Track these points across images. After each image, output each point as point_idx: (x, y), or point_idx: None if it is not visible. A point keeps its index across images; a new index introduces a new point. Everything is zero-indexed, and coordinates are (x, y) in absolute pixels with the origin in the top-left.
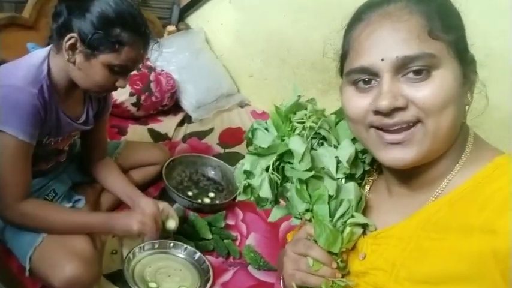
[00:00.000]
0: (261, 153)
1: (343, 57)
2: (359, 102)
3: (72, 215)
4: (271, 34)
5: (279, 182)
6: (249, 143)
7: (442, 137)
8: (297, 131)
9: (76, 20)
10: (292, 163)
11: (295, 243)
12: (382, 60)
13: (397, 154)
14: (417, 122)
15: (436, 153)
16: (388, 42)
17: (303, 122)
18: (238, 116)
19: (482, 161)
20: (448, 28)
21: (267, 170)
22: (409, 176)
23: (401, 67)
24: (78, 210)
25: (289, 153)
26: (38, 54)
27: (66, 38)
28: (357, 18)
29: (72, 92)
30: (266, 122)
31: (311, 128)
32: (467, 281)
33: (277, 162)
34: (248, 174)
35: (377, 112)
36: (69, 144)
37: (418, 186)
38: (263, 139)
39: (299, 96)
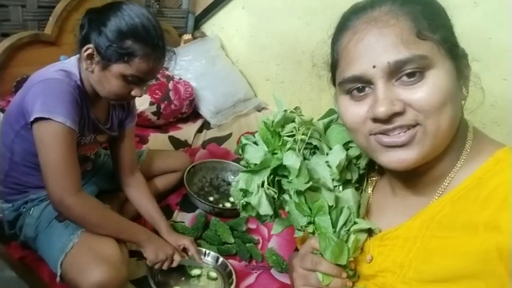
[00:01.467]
0: (254, 170)
1: (334, 67)
2: (356, 111)
3: (122, 219)
4: (285, 37)
5: (276, 196)
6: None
7: (442, 136)
8: (288, 145)
9: (94, 32)
10: (287, 176)
11: (302, 259)
12: (374, 67)
13: (398, 156)
14: (416, 124)
15: (436, 152)
16: (378, 48)
17: (293, 135)
18: (255, 121)
19: (483, 156)
20: (435, 27)
21: (262, 185)
22: (411, 176)
23: (394, 72)
24: (126, 220)
25: (282, 167)
26: (69, 60)
27: (84, 48)
28: (343, 26)
29: (98, 97)
30: (254, 135)
31: (302, 140)
32: (474, 278)
33: (272, 177)
34: (245, 192)
35: (376, 120)
36: (95, 152)
37: (421, 186)
38: (254, 154)
39: (285, 110)
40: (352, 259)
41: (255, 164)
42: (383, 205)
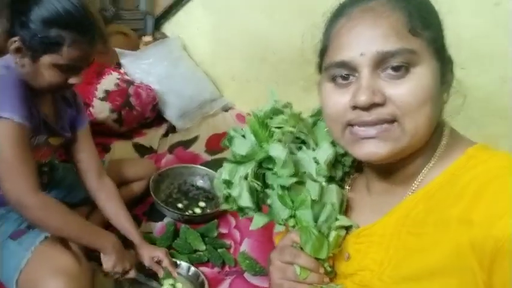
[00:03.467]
0: (239, 161)
1: (323, 53)
2: (338, 100)
3: (86, 223)
4: (248, 33)
5: (259, 189)
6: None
7: (418, 135)
8: (275, 136)
9: (17, 24)
10: (272, 169)
11: (281, 252)
12: (362, 55)
13: (371, 149)
14: (393, 120)
15: (411, 150)
16: (368, 37)
17: (281, 127)
18: (223, 121)
19: (456, 154)
20: (427, 26)
21: (246, 178)
22: (386, 171)
23: (381, 62)
24: (91, 224)
25: (268, 159)
26: (6, 57)
27: (9, 42)
28: (338, 13)
29: (39, 93)
30: (243, 129)
31: (290, 132)
32: (448, 274)
33: (257, 169)
34: (227, 183)
35: (355, 107)
36: (48, 163)
37: (396, 182)
38: (241, 146)
39: (275, 101)
40: (331, 255)
41: (241, 155)
42: (359, 203)
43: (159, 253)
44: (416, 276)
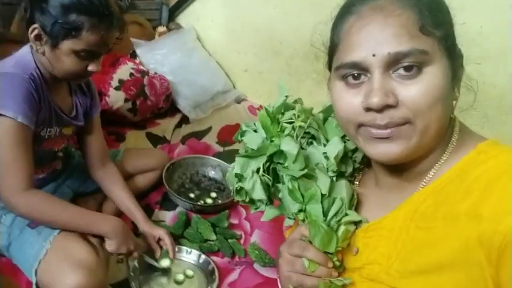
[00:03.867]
0: (250, 155)
1: (332, 51)
2: (350, 101)
3: (81, 212)
4: (262, 27)
5: (270, 183)
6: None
7: (430, 135)
8: (286, 132)
9: (37, 11)
10: (282, 163)
11: (290, 245)
12: (374, 55)
13: (384, 149)
14: (406, 122)
15: (423, 150)
16: (380, 37)
17: (291, 122)
18: (235, 113)
19: (466, 149)
20: (438, 24)
21: (257, 171)
22: (396, 169)
23: (393, 63)
24: (87, 211)
25: (279, 153)
26: (23, 49)
27: (30, 30)
28: (347, 10)
29: (58, 84)
30: (255, 124)
31: (301, 127)
32: (456, 268)
33: (268, 164)
34: (239, 177)
35: (368, 109)
36: (63, 149)
37: (406, 179)
38: (253, 141)
39: (286, 96)
40: (340, 249)
41: (252, 150)
42: (368, 198)
43: (160, 231)
44: (424, 270)
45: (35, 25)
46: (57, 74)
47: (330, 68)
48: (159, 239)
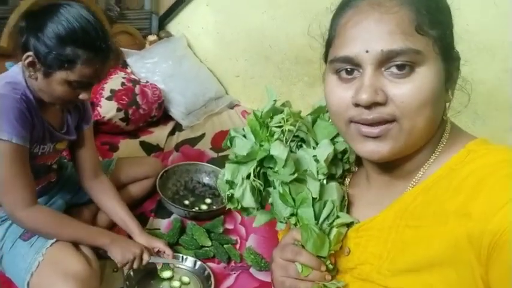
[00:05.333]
0: (240, 161)
1: (329, 43)
2: (341, 95)
3: (81, 226)
4: (252, 32)
5: (261, 188)
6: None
7: (417, 135)
8: (275, 136)
9: (32, 39)
10: (273, 168)
11: (282, 249)
12: (367, 52)
13: (373, 147)
14: (393, 120)
15: (412, 148)
16: (374, 34)
17: (280, 126)
18: (228, 118)
19: (456, 148)
20: (435, 24)
21: (248, 177)
22: (387, 166)
23: (385, 61)
24: (86, 226)
25: (269, 158)
26: (14, 69)
27: (24, 56)
28: (347, 4)
29: (49, 103)
30: (244, 129)
31: (290, 131)
32: (445, 267)
33: (258, 169)
34: (230, 183)
35: (357, 104)
36: (57, 161)
37: (397, 177)
38: (242, 146)
39: (275, 100)
40: (332, 252)
41: (242, 156)
42: (358, 198)
43: (160, 244)
44: (415, 269)
45: (29, 53)
46: (47, 99)
47: (326, 60)
48: (158, 251)
